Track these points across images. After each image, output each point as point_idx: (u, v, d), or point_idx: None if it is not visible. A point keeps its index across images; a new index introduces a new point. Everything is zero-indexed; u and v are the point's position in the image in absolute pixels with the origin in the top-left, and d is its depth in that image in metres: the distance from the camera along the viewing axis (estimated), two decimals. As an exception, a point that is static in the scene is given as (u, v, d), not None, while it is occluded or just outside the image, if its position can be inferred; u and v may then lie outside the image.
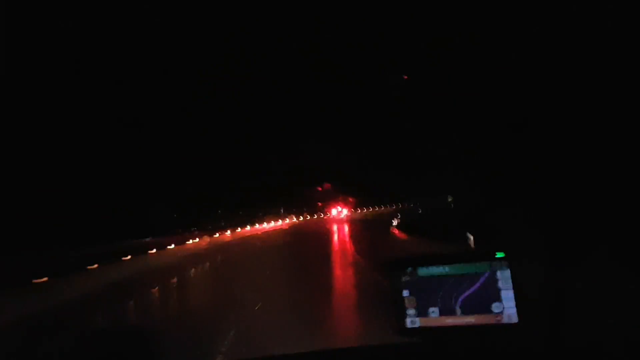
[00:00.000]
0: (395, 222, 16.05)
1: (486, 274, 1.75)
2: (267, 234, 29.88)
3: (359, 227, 20.66)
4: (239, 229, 34.40)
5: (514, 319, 1.68)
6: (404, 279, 1.85)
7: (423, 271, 1.83)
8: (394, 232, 17.38)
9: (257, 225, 35.48)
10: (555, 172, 2.11)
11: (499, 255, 1.75)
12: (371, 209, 35.73)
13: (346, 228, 21.45)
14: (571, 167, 2.05)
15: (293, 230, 29.99)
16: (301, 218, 37.56)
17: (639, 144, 1.94)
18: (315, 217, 36.48)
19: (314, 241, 18.33)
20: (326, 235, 20.78)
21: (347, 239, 17.35)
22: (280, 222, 35.55)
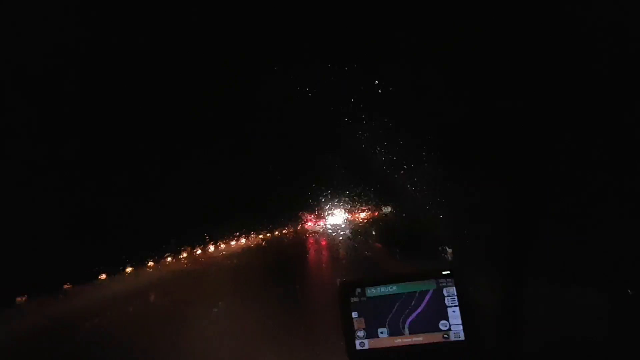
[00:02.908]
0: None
1: (432, 292, 1.76)
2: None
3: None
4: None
5: (461, 336, 1.70)
6: (352, 300, 1.82)
7: (371, 292, 1.82)
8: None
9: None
10: (503, 186, 2.20)
11: (445, 272, 1.77)
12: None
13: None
14: (518, 183, 2.14)
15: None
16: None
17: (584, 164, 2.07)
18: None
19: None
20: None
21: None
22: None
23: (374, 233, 3.38)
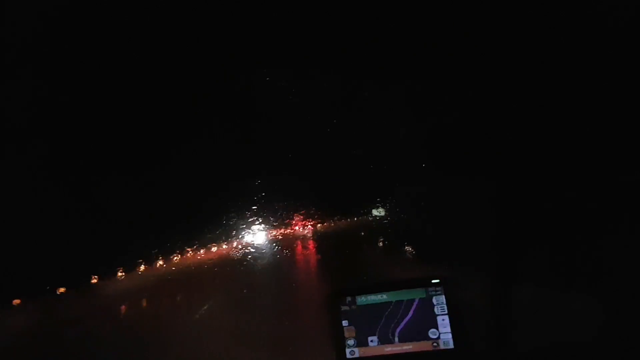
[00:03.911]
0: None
1: (421, 301, 1.78)
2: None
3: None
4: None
5: (450, 345, 1.72)
6: (343, 308, 1.83)
7: (362, 300, 1.83)
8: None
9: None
10: (491, 191, 2.21)
11: (434, 281, 1.79)
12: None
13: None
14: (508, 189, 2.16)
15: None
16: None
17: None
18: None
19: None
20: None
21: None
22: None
23: (364, 239, 3.37)
